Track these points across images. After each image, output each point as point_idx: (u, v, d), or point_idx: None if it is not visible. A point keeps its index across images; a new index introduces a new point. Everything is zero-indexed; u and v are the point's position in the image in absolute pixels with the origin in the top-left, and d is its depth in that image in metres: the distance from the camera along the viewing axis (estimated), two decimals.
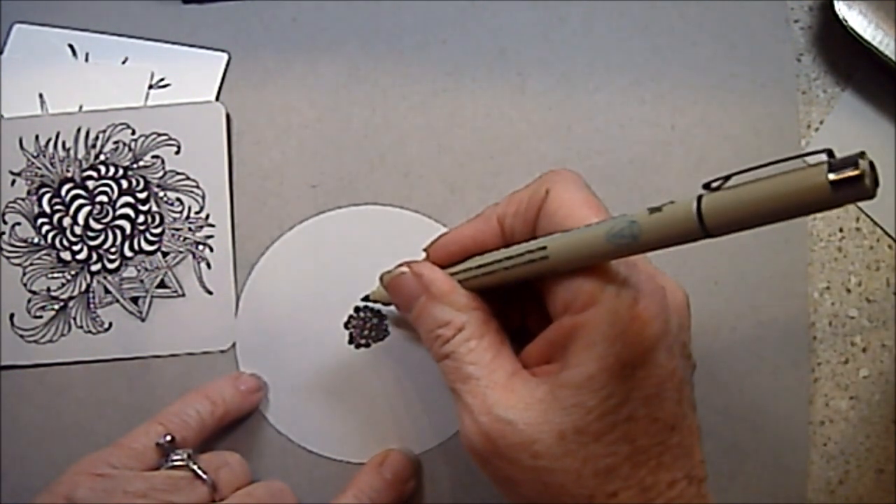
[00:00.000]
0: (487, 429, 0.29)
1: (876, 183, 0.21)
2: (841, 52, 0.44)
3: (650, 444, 0.29)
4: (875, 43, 0.42)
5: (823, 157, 0.22)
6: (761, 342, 0.41)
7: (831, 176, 0.21)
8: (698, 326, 0.41)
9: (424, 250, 0.35)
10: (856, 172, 0.21)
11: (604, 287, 0.28)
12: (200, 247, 0.42)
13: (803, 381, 0.41)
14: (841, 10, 0.42)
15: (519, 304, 0.35)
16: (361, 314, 0.41)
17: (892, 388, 0.41)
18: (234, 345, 0.41)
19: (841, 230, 0.43)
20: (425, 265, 0.34)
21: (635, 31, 0.44)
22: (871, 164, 0.21)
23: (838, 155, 0.21)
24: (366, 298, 0.40)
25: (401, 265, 0.34)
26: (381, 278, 0.36)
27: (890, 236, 0.43)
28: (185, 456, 0.35)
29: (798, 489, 0.40)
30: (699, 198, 0.24)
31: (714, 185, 0.24)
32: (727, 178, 0.24)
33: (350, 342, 0.41)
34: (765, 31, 0.44)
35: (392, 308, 0.41)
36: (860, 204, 0.43)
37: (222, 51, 0.44)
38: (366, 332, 0.41)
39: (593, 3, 0.44)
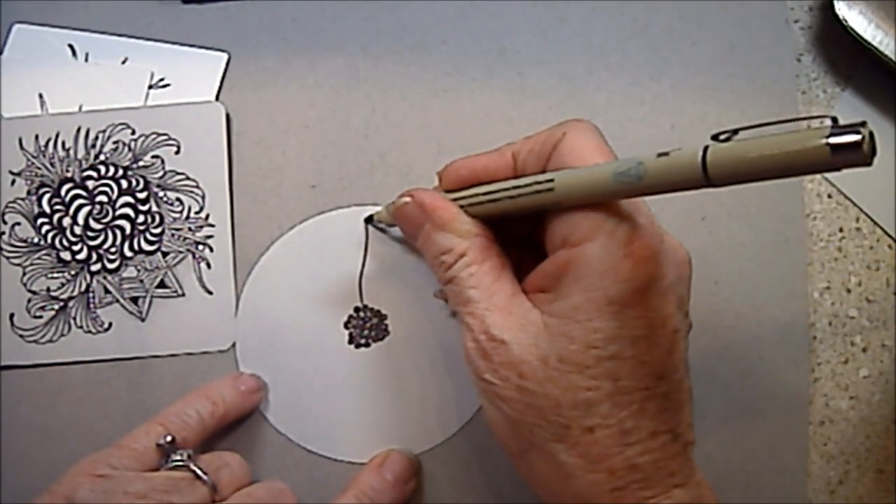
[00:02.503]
0: (484, 346, 0.31)
1: (873, 152, 0.22)
2: (841, 52, 0.44)
3: (634, 386, 0.29)
4: (875, 43, 0.42)
5: (828, 121, 0.23)
6: (761, 342, 0.41)
7: (832, 140, 0.22)
8: (698, 326, 0.41)
9: (438, 174, 0.36)
10: (855, 139, 0.22)
11: (601, 224, 0.29)
12: (200, 247, 0.42)
13: (803, 381, 0.41)
14: (841, 10, 0.42)
15: (523, 237, 0.36)
16: (361, 314, 0.41)
17: (892, 388, 0.41)
18: (233, 345, 0.41)
19: (841, 230, 0.43)
20: (427, 193, 0.35)
21: (635, 31, 0.44)
22: (871, 135, 0.22)
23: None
24: (370, 219, 0.41)
25: (404, 194, 0.35)
26: (387, 208, 0.37)
27: (890, 236, 0.43)
28: (185, 456, 0.35)
29: (798, 489, 0.40)
30: (705, 147, 0.25)
31: (722, 137, 0.25)
32: (735, 131, 0.26)
33: (350, 342, 0.41)
34: (765, 31, 0.44)
35: (396, 229, 0.41)
36: (860, 204, 0.43)
37: (222, 51, 0.44)
38: (366, 332, 0.41)
39: (593, 3, 0.44)
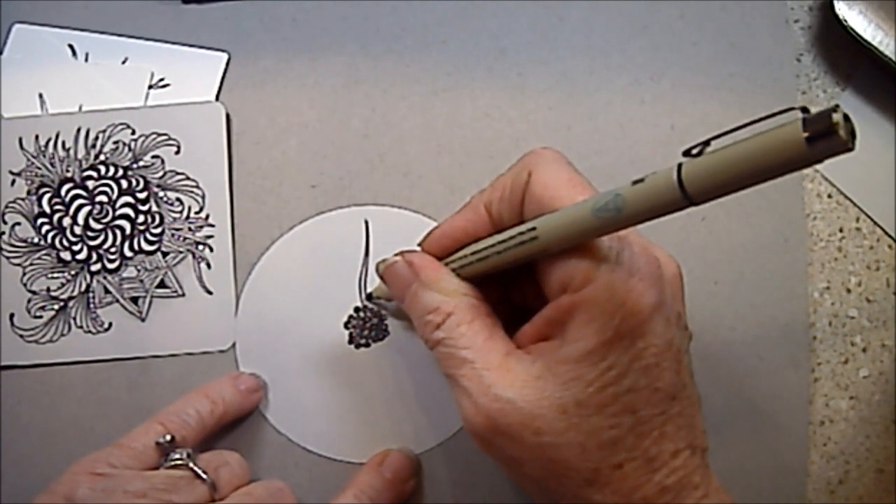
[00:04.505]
0: (487, 409, 0.29)
1: (852, 135, 0.21)
2: (841, 52, 0.44)
3: (652, 414, 0.29)
4: (875, 43, 0.42)
5: (799, 114, 0.22)
6: (761, 342, 0.41)
7: (805, 132, 0.21)
8: (698, 326, 0.41)
9: (419, 245, 0.36)
10: (829, 125, 0.21)
11: (598, 263, 0.29)
12: (200, 247, 0.42)
13: (803, 381, 0.41)
14: (841, 10, 0.42)
15: (519, 286, 0.35)
16: (361, 314, 0.41)
17: (892, 388, 0.41)
18: (233, 345, 0.41)
19: (841, 230, 0.43)
20: (417, 253, 0.34)
21: (635, 31, 0.44)
22: (846, 116, 0.21)
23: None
24: (369, 297, 0.41)
25: (395, 255, 0.35)
26: (377, 268, 0.37)
27: (890, 236, 0.43)
28: (184, 455, 0.35)
29: (798, 489, 0.40)
30: (679, 165, 0.24)
31: (694, 151, 0.24)
32: (706, 143, 0.24)
33: (350, 342, 0.41)
34: (765, 31, 0.44)
35: (395, 303, 0.41)
36: (860, 204, 0.43)
37: (222, 51, 0.44)
38: (366, 332, 0.41)
39: (593, 3, 0.44)
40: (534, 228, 0.29)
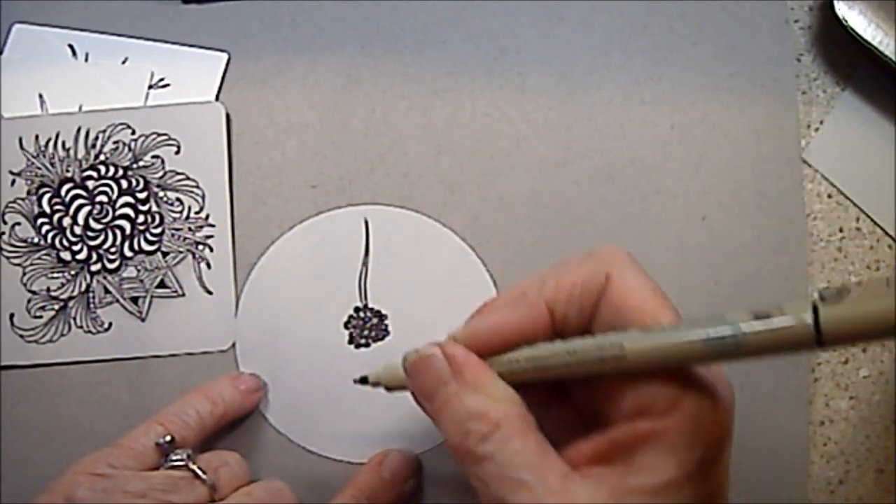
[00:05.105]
0: None
1: None
2: (841, 52, 0.44)
3: None
4: (875, 43, 0.42)
5: None
6: None
7: None
8: None
9: (453, 336, 0.30)
10: None
11: (685, 390, 0.26)
12: (200, 247, 0.42)
13: (803, 381, 0.41)
14: (841, 10, 0.42)
15: (566, 395, 0.31)
16: (361, 314, 0.41)
17: (892, 388, 0.41)
18: (233, 345, 0.41)
19: (841, 230, 0.43)
20: (459, 347, 0.29)
21: (635, 31, 0.44)
22: None
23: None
24: (363, 380, 0.34)
25: (429, 344, 0.30)
26: (404, 359, 0.31)
27: (890, 236, 0.42)
28: (184, 456, 0.35)
29: (798, 489, 0.40)
30: (815, 308, 0.23)
31: (828, 295, 0.23)
32: (844, 290, 0.23)
33: (350, 342, 0.41)
34: (765, 31, 0.44)
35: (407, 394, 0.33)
36: (860, 204, 0.43)
37: (222, 51, 0.44)
38: (366, 332, 0.41)
39: (593, 2, 0.44)
40: (621, 346, 0.26)
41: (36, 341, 0.41)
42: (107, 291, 0.42)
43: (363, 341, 0.41)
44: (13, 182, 0.43)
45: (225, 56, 0.44)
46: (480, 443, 0.27)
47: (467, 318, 0.31)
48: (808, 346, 0.23)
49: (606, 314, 0.28)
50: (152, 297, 0.42)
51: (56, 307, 0.42)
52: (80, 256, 0.42)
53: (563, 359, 0.27)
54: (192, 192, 0.42)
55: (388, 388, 0.33)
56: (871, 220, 0.43)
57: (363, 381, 0.33)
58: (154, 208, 0.42)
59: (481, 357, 0.29)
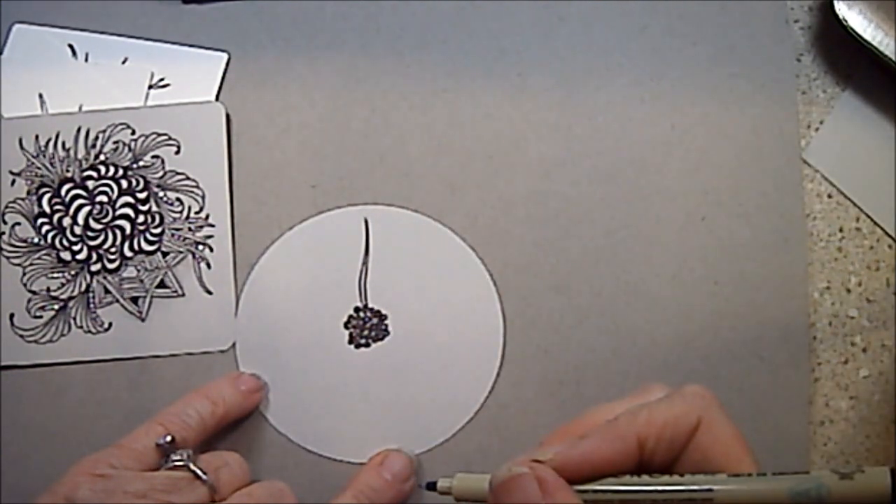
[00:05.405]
0: None
1: None
2: (841, 52, 0.44)
3: None
4: (875, 43, 0.42)
5: None
6: (761, 342, 0.41)
7: None
8: (698, 326, 0.41)
9: (538, 459, 0.30)
10: None
11: None
12: (200, 247, 0.42)
13: (803, 381, 0.41)
14: (841, 10, 0.42)
15: None
16: (361, 314, 0.41)
17: (892, 388, 0.41)
18: (233, 345, 0.41)
19: (841, 230, 0.43)
20: (549, 471, 0.29)
21: (635, 31, 0.44)
22: None
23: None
24: (432, 486, 0.32)
25: (517, 463, 0.29)
26: (492, 478, 0.30)
27: (890, 236, 0.43)
28: (184, 456, 0.35)
29: None
30: (892, 472, 0.25)
31: None
32: None
33: (350, 342, 0.41)
34: (765, 31, 0.44)
35: None
36: (860, 204, 0.43)
37: (222, 51, 0.44)
38: (366, 332, 0.41)
39: (593, 3, 0.44)
40: (710, 489, 0.27)
41: (36, 341, 0.41)
42: (107, 291, 0.42)
43: (363, 341, 0.41)
44: (13, 182, 0.43)
45: (225, 56, 0.44)
46: None
47: (548, 437, 0.31)
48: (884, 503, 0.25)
49: (694, 455, 0.29)
50: (152, 297, 0.42)
51: (56, 307, 0.42)
52: (80, 256, 0.42)
53: (651, 495, 0.28)
54: (192, 192, 0.42)
55: (458, 500, 0.32)
56: (871, 220, 0.43)
57: (431, 487, 0.33)
58: (154, 208, 0.42)
59: (569, 483, 0.29)
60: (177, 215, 0.42)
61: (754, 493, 0.27)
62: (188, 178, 0.42)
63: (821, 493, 0.26)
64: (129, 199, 0.42)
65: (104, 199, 0.42)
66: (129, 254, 0.42)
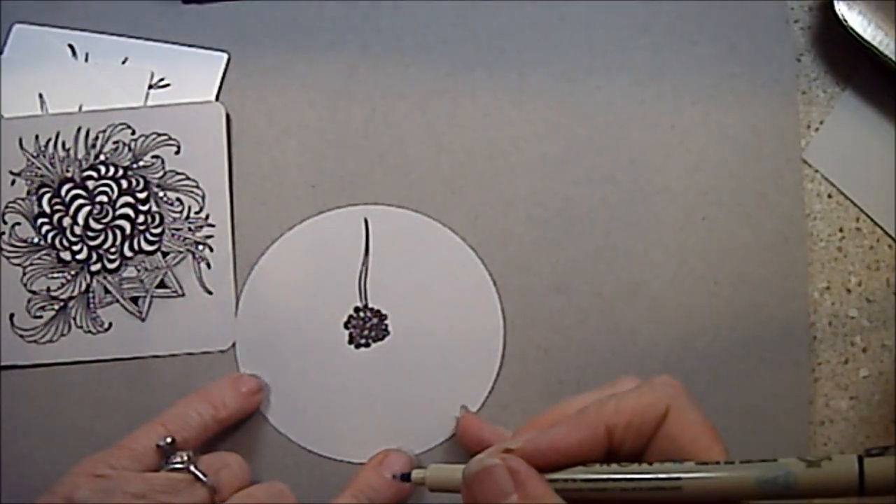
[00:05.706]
0: None
1: None
2: (841, 52, 0.44)
3: None
4: (875, 43, 0.42)
5: None
6: (761, 342, 0.41)
7: None
8: (698, 326, 0.41)
9: (509, 450, 0.30)
10: None
11: None
12: (200, 247, 0.42)
13: (803, 381, 0.41)
14: (841, 10, 0.42)
15: None
16: (361, 314, 0.41)
17: (892, 388, 0.41)
18: (234, 345, 0.41)
19: (841, 230, 0.43)
20: (521, 462, 0.29)
21: (635, 31, 0.44)
22: None
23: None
24: (405, 478, 0.33)
25: (490, 454, 0.30)
26: (465, 469, 0.31)
27: (890, 236, 0.43)
28: (185, 458, 0.35)
29: None
30: (860, 459, 0.25)
31: (874, 452, 0.26)
32: (886, 448, 0.26)
33: (350, 342, 0.41)
34: (765, 31, 0.44)
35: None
36: (860, 204, 0.43)
37: (222, 51, 0.44)
38: (366, 332, 0.41)
39: (593, 2, 0.44)
40: (678, 478, 0.28)
41: (36, 341, 0.41)
42: (107, 291, 0.42)
43: (363, 341, 0.41)
44: (13, 182, 0.43)
45: (225, 56, 0.44)
46: None
47: (520, 428, 0.32)
48: (851, 491, 0.25)
49: (662, 444, 0.29)
50: (152, 297, 0.42)
51: (56, 307, 0.42)
52: (80, 256, 0.42)
53: (618, 483, 0.29)
54: (192, 192, 0.42)
55: (431, 490, 0.32)
56: (871, 220, 0.43)
57: (405, 478, 0.33)
58: (154, 208, 0.42)
59: (539, 471, 0.29)
60: (177, 215, 0.42)
61: (722, 480, 0.27)
62: (188, 178, 0.42)
63: (788, 480, 0.26)
64: (129, 199, 0.42)
65: (104, 199, 0.42)
66: (129, 254, 0.42)
